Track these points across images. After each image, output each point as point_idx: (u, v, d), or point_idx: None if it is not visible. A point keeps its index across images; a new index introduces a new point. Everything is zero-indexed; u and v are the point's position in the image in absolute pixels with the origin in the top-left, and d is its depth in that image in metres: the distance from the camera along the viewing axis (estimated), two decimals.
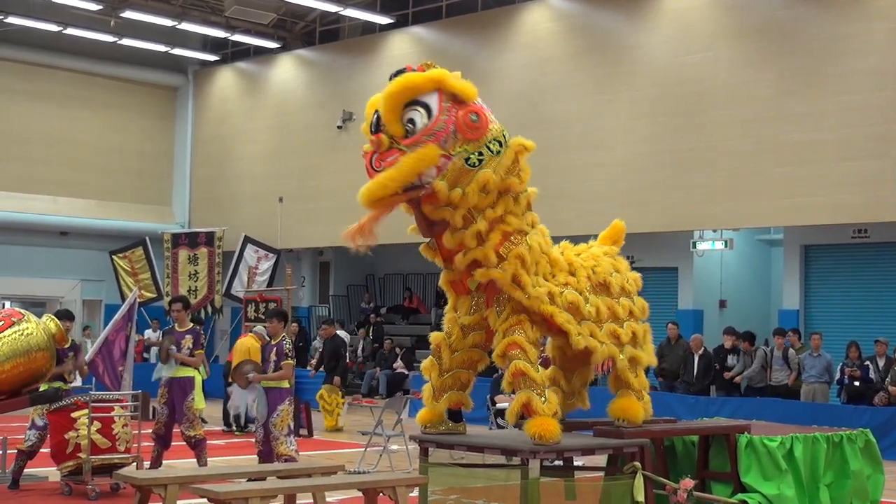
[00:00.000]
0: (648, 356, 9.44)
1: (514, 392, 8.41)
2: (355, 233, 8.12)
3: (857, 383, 17.94)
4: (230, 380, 15.02)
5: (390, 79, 8.09)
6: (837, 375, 18.27)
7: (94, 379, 14.40)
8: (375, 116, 8.05)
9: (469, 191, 8.06)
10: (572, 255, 9.17)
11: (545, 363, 11.07)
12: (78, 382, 13.26)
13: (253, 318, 23.92)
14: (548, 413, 8.19)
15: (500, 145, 8.23)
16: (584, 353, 8.98)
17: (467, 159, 8.03)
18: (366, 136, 8.17)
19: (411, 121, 7.90)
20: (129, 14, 26.62)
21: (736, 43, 20.51)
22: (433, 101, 7.95)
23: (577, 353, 9.01)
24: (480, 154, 8.09)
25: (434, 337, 8.88)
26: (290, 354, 12.38)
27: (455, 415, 8.98)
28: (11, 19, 26.62)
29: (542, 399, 8.19)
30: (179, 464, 13.33)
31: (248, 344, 16.80)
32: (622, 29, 22.17)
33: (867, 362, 18.08)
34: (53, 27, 27.25)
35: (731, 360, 19.49)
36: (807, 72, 19.51)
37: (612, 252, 9.62)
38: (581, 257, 9.25)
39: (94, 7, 26.19)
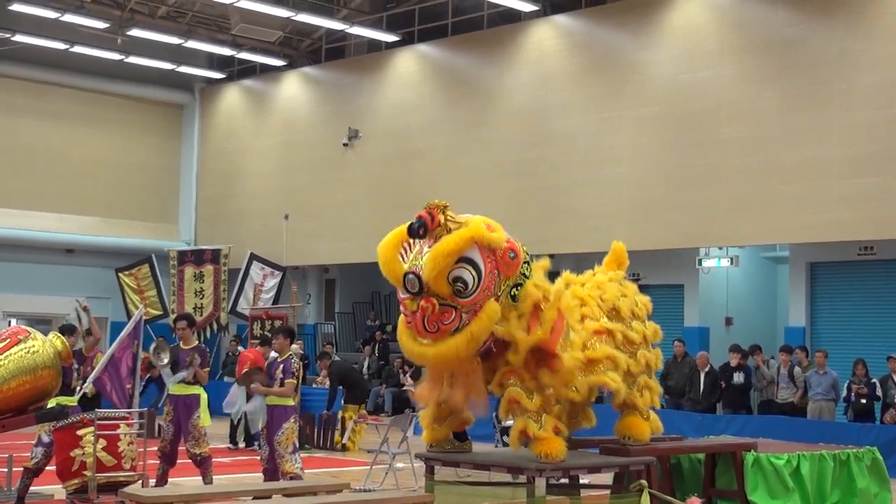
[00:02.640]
0: (655, 384, 9.54)
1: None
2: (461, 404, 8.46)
3: (863, 401, 17.88)
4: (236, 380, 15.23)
5: (411, 232, 8.08)
6: (844, 393, 18.22)
7: (100, 397, 14.40)
8: (414, 277, 7.99)
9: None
10: (578, 289, 9.25)
11: None
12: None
13: (258, 335, 23.92)
14: (544, 436, 8.23)
15: (528, 266, 8.38)
16: None
17: (512, 296, 8.21)
18: (396, 286, 8.20)
19: (460, 280, 7.97)
20: (135, 32, 26.69)
21: (741, 60, 20.51)
22: (476, 255, 8.04)
23: None
24: (519, 285, 8.26)
25: None
26: (294, 373, 12.39)
27: (460, 434, 8.99)
28: (18, 37, 26.70)
29: (538, 425, 8.29)
30: (185, 482, 13.31)
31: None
32: (627, 46, 22.20)
33: (874, 380, 18.02)
34: (60, 45, 27.33)
35: (737, 377, 19.43)
36: (812, 88, 19.51)
37: (618, 277, 9.67)
38: (587, 287, 9.32)
39: (101, 25, 26.27)
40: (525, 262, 8.34)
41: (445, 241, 8.00)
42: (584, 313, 8.98)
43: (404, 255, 8.14)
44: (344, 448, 19.41)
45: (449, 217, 8.13)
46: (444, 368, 8.24)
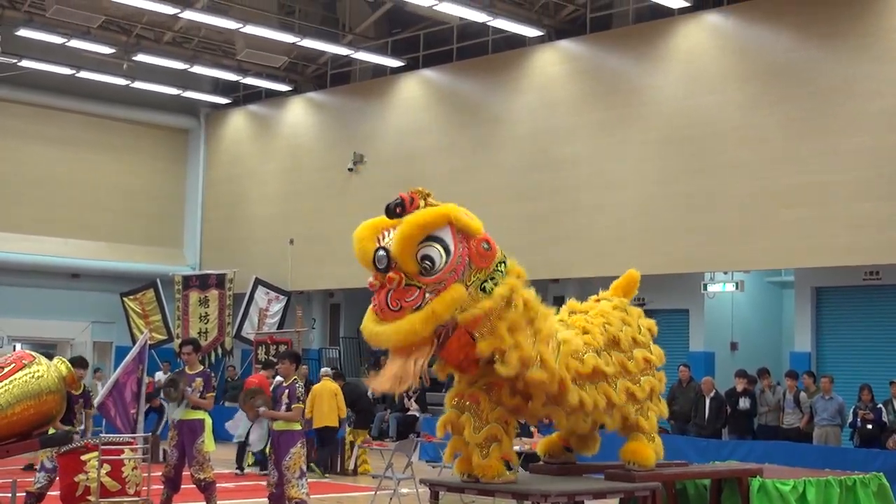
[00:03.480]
0: (662, 406, 9.53)
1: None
2: (394, 380, 7.87)
3: (870, 426, 17.82)
4: (240, 405, 15.31)
5: (388, 211, 7.94)
6: (850, 418, 18.16)
7: (103, 421, 14.38)
8: (383, 253, 7.85)
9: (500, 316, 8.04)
10: (581, 319, 9.19)
11: None
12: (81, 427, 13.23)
13: (263, 360, 23.89)
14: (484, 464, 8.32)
15: (504, 266, 8.19)
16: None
17: (483, 287, 7.98)
18: (367, 268, 8.00)
19: (428, 258, 7.79)
20: (141, 57, 26.80)
21: (746, 85, 20.54)
22: (447, 236, 7.89)
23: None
24: (493, 279, 8.05)
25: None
26: (300, 398, 12.41)
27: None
28: (25, 62, 26.81)
29: (483, 455, 8.32)
30: None
31: (328, 386, 18.79)
32: (631, 71, 22.24)
33: (880, 405, 17.97)
34: (66, 70, 27.43)
35: (742, 402, 19.38)
36: (817, 113, 19.51)
37: (622, 304, 9.59)
38: (590, 315, 9.26)
39: (107, 50, 26.38)
40: (501, 262, 8.15)
41: (416, 214, 7.85)
42: (587, 341, 8.92)
43: (380, 241, 7.97)
44: (355, 472, 19.52)
45: (430, 203, 8.01)
46: (401, 347, 7.83)
